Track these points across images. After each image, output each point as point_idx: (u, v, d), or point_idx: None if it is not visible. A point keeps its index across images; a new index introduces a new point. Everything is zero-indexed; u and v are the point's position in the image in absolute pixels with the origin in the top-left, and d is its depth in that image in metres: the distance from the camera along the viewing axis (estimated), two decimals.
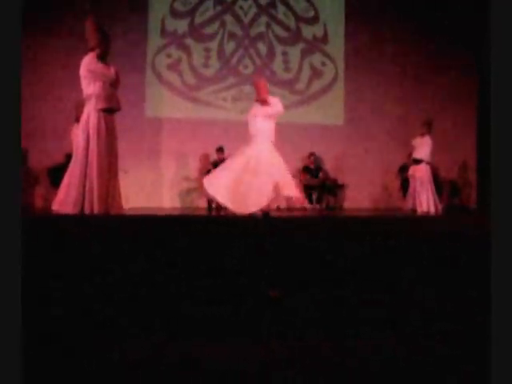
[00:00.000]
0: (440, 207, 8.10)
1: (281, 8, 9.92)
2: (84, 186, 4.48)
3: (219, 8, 9.72)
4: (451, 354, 1.66)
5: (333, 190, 9.60)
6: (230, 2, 9.76)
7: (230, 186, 5.15)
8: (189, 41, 9.59)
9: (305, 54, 9.97)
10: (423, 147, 8.11)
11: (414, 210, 8.03)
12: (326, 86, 10.01)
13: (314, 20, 10.05)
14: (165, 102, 9.43)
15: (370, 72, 9.95)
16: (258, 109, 5.68)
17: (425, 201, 7.99)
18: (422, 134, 8.14)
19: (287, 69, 9.90)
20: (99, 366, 1.57)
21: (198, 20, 9.64)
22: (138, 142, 8.88)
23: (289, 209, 7.87)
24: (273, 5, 9.89)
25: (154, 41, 9.45)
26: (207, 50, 9.64)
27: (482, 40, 8.83)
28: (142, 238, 3.22)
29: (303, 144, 9.32)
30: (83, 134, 4.57)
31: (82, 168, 4.50)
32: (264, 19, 9.86)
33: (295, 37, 9.96)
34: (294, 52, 9.94)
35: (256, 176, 5.19)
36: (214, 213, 8.03)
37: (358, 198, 9.72)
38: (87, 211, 4.43)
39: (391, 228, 4.26)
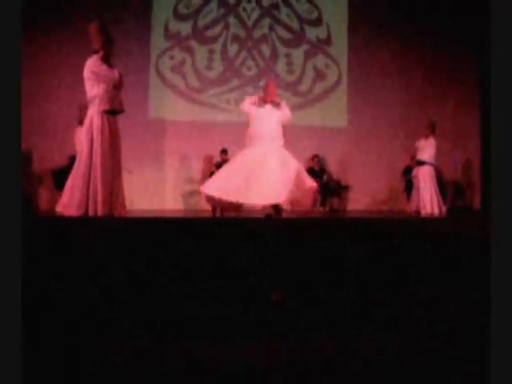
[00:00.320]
0: (444, 209, 8.08)
1: (284, 10, 9.92)
2: (88, 188, 4.48)
3: (222, 10, 9.73)
4: (454, 355, 1.65)
5: (337, 191, 9.58)
6: (234, 4, 9.76)
7: (238, 182, 5.16)
8: (192, 43, 9.60)
9: (308, 55, 9.96)
10: (427, 149, 8.09)
11: (418, 212, 8.01)
12: (329, 88, 10.00)
13: (318, 22, 10.04)
14: (168, 104, 9.44)
15: (374, 74, 9.94)
16: (265, 110, 5.68)
17: (429, 202, 7.97)
18: (426, 136, 8.13)
19: (290, 71, 9.90)
20: (103, 366, 1.57)
21: (201, 22, 9.65)
22: (142, 144, 8.89)
23: (293, 211, 7.85)
24: (276, 7, 9.89)
25: (158, 43, 9.47)
26: (210, 52, 9.65)
27: (485, 41, 8.81)
28: (146, 239, 3.22)
29: (307, 146, 9.30)
30: (87, 135, 4.57)
31: (85, 170, 4.50)
32: (267, 21, 9.86)
33: (298, 39, 9.96)
34: (298, 54, 9.93)
35: (271, 169, 5.23)
36: (217, 215, 8.02)
37: (362, 199, 9.70)
38: (91, 213, 4.44)
39: (395, 229, 4.24)
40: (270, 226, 4.70)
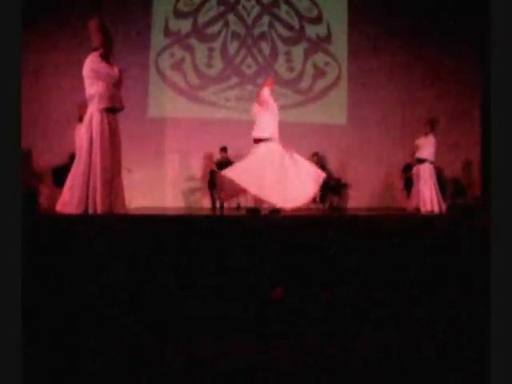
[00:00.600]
0: (444, 206, 8.07)
1: (284, 7, 9.91)
2: (88, 186, 4.48)
3: (222, 8, 9.72)
4: (454, 352, 1.65)
5: (336, 189, 9.58)
6: (233, 1, 9.75)
7: (270, 181, 5.31)
8: (192, 41, 9.60)
9: (308, 53, 9.95)
10: (427, 146, 8.08)
11: (418, 210, 8.01)
12: (329, 86, 9.99)
13: (318, 19, 10.03)
14: (168, 102, 9.44)
15: (373, 71, 9.93)
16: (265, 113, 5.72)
17: (429, 200, 7.96)
18: (426, 134, 8.12)
19: (290, 68, 9.89)
20: (103, 364, 1.57)
21: (201, 20, 9.64)
22: (142, 142, 8.88)
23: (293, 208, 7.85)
24: (276, 4, 9.88)
25: (158, 41, 9.46)
26: (210, 49, 9.64)
27: (485, 40, 8.80)
28: (146, 237, 3.22)
29: (306, 143, 9.29)
30: (86, 133, 4.57)
31: (85, 168, 4.50)
32: (267, 19, 9.85)
33: (298, 36, 9.95)
34: (298, 51, 9.92)
35: (298, 172, 5.42)
36: (217, 212, 8.02)
37: (362, 197, 9.70)
38: (91, 211, 4.43)
39: (395, 227, 4.24)
40: (270, 223, 4.70)
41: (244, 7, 9.79)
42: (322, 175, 5.85)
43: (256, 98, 5.85)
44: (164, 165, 9.33)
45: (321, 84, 9.96)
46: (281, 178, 5.46)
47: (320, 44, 10.02)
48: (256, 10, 9.82)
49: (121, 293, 2.43)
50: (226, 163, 8.72)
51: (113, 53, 4.80)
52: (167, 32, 9.51)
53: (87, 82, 4.62)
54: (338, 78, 10.00)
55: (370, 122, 9.86)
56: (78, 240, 2.99)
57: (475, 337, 1.76)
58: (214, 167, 8.88)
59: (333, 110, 9.92)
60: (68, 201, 4.48)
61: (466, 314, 2.10)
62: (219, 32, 9.69)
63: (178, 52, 9.55)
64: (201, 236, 3.30)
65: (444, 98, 10.03)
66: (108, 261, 2.73)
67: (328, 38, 10.04)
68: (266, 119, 5.71)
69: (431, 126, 8.11)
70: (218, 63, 9.66)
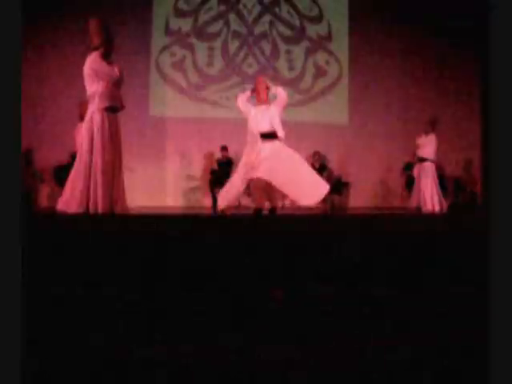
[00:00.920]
0: (445, 205, 8.07)
1: (284, 6, 9.91)
2: (88, 186, 4.48)
3: (223, 7, 9.72)
4: (454, 351, 1.65)
5: (337, 188, 9.57)
6: (234, 0, 9.75)
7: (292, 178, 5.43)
8: (193, 40, 9.60)
9: (309, 52, 9.96)
10: (428, 145, 8.08)
11: (419, 209, 8.01)
12: (330, 85, 9.99)
13: (318, 18, 10.03)
14: (169, 101, 9.44)
15: (374, 70, 9.93)
16: (260, 109, 5.68)
17: (429, 199, 7.97)
18: (427, 133, 8.12)
19: (291, 67, 9.90)
20: (102, 365, 1.57)
21: (201, 19, 9.65)
22: (142, 141, 8.90)
23: (293, 207, 7.86)
24: (276, 3, 9.88)
25: (158, 40, 9.47)
26: (211, 48, 9.65)
27: (485, 39, 8.79)
28: (147, 237, 3.22)
29: (308, 142, 9.30)
30: (87, 133, 4.57)
31: (86, 167, 4.50)
32: (268, 18, 9.85)
33: (299, 35, 9.95)
34: (298, 51, 9.93)
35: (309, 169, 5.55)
36: (218, 211, 8.02)
37: (363, 196, 9.71)
38: (92, 210, 4.44)
39: (396, 226, 4.24)
40: (271, 222, 4.71)
41: (245, 6, 9.79)
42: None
43: (256, 96, 5.82)
44: (165, 164, 9.34)
45: (322, 83, 9.96)
46: (297, 176, 5.58)
47: (321, 43, 10.02)
48: (257, 9, 9.82)
49: (120, 291, 2.43)
50: (226, 162, 8.74)
51: (113, 52, 4.80)
52: (168, 31, 9.52)
53: (88, 81, 4.62)
54: (339, 76, 10.00)
55: (371, 121, 9.86)
56: (78, 239, 2.99)
57: (475, 336, 1.76)
58: (215, 166, 8.89)
59: (334, 109, 9.93)
60: (69, 200, 4.48)
61: (466, 313, 2.10)
62: (220, 31, 9.69)
63: (179, 51, 9.55)
64: (201, 235, 3.30)
65: (445, 96, 10.03)
66: (108, 260, 2.73)
67: (329, 37, 10.04)
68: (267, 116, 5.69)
69: (432, 125, 8.11)
70: (219, 62, 9.67)
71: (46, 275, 2.48)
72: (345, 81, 10.00)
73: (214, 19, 9.68)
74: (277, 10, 9.88)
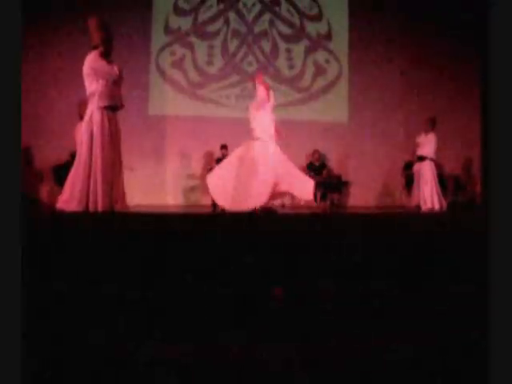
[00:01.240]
0: (445, 204, 8.07)
1: (284, 5, 9.90)
2: (88, 184, 4.48)
3: (222, 5, 9.70)
4: (454, 350, 1.65)
5: (337, 187, 9.57)
6: None
7: (229, 186, 5.44)
8: (192, 38, 9.59)
9: (309, 51, 9.94)
10: (427, 144, 8.08)
11: (419, 207, 8.01)
12: (329, 84, 9.98)
13: (318, 17, 10.02)
14: (168, 100, 9.43)
15: (374, 69, 9.92)
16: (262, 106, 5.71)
17: (429, 197, 7.97)
18: (426, 131, 8.12)
19: (291, 66, 9.88)
20: (102, 364, 1.57)
21: (201, 17, 9.64)
22: (142, 140, 8.89)
23: (293, 206, 7.87)
24: (276, 2, 9.87)
25: (158, 38, 9.46)
26: (211, 47, 9.64)
27: (485, 38, 8.77)
28: (146, 235, 3.22)
29: (307, 141, 9.30)
30: (87, 131, 4.57)
31: (86, 166, 4.50)
32: (268, 16, 9.84)
33: (299, 34, 9.94)
34: (298, 49, 9.91)
35: (255, 174, 5.48)
36: (218, 210, 8.02)
37: (363, 195, 9.70)
38: (91, 209, 4.44)
39: (396, 225, 4.24)
40: (271, 221, 4.71)
41: (244, 5, 9.78)
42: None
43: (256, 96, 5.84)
44: (164, 163, 9.33)
45: (321, 82, 9.95)
46: (295, 173, 5.77)
47: (321, 42, 10.01)
48: (256, 7, 9.81)
49: (120, 290, 2.43)
50: None
51: (113, 51, 4.80)
52: (167, 29, 9.51)
53: (87, 80, 4.62)
54: (339, 75, 9.99)
55: (371, 120, 9.85)
56: (78, 238, 2.99)
57: (474, 336, 1.76)
58: (215, 165, 8.88)
59: (333, 108, 9.92)
60: (69, 199, 4.49)
61: (466, 312, 2.11)
62: (220, 30, 9.68)
63: (179, 50, 9.54)
64: (201, 234, 3.30)
65: (445, 95, 10.02)
66: (108, 258, 2.73)
67: (329, 36, 10.02)
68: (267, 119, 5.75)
69: (432, 124, 8.11)
70: (219, 61, 9.66)
71: (46, 274, 2.48)
72: (344, 79, 9.99)
73: (214, 18, 9.67)
74: (276, 8, 9.87)
